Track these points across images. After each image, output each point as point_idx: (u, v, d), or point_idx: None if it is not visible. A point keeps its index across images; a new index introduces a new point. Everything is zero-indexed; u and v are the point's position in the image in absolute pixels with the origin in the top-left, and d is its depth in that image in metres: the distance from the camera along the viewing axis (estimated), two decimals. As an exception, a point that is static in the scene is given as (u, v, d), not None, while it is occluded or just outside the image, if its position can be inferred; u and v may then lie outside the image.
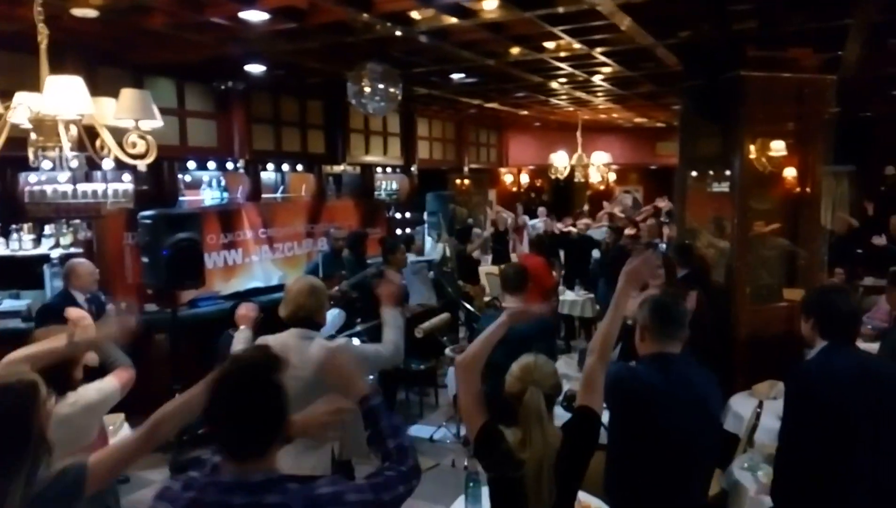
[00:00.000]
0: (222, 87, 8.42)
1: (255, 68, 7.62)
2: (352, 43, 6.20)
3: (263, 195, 9.29)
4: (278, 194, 9.82)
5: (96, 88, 3.62)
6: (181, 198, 8.23)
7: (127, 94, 3.32)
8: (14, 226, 6.67)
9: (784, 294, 5.82)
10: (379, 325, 3.28)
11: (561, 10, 5.35)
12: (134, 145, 3.25)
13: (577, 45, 6.69)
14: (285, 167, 9.79)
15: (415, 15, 5.55)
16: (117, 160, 3.33)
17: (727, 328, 5.54)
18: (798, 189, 6.06)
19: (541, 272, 6.46)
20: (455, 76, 8.53)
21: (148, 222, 5.58)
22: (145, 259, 5.68)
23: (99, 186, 7.07)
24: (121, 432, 3.84)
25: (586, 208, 13.89)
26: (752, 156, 5.86)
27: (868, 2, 5.09)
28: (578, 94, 10.15)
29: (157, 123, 3.39)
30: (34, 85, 3.18)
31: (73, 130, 3.13)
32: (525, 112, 12.72)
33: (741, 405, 4.37)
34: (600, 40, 6.52)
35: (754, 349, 5.46)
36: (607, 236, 9.18)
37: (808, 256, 5.91)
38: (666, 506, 2.55)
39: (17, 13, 4.54)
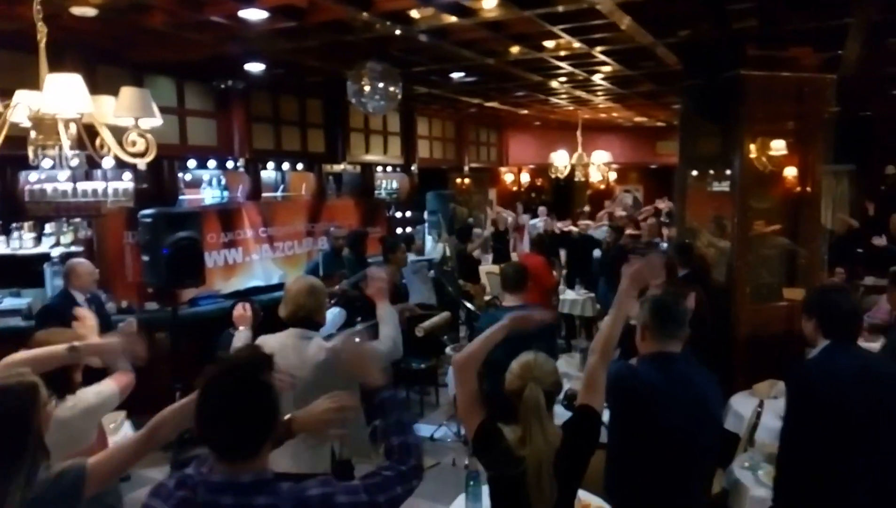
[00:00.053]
0: (222, 85, 8.41)
1: (255, 67, 7.62)
2: (351, 42, 6.20)
3: (263, 194, 9.29)
4: (278, 193, 9.82)
5: (96, 87, 3.62)
6: (181, 197, 8.22)
7: (126, 92, 3.32)
8: (15, 225, 6.68)
9: (784, 294, 5.82)
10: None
11: (560, 8, 5.35)
12: (133, 144, 3.25)
13: (576, 44, 6.68)
14: (285, 166, 9.79)
15: (414, 14, 5.55)
16: (117, 159, 3.33)
17: (727, 328, 5.54)
18: (798, 188, 6.06)
19: (541, 272, 6.47)
20: (455, 75, 8.53)
21: (148, 220, 5.57)
22: (145, 258, 5.67)
23: (99, 185, 7.08)
24: (122, 430, 3.84)
25: (587, 208, 13.89)
26: (753, 155, 5.85)
27: (868, 1, 5.09)
28: (578, 93, 10.14)
29: (157, 121, 3.39)
30: (34, 84, 3.18)
31: (73, 128, 3.12)
32: (525, 111, 12.71)
33: (741, 404, 4.37)
34: (600, 39, 6.52)
35: (754, 348, 5.46)
36: (608, 236, 9.18)
37: (808, 255, 5.91)
38: (666, 505, 2.55)
39: (16, 12, 4.54)
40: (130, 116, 3.26)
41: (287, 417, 2.17)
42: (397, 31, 5.88)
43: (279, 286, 5.96)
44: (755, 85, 5.55)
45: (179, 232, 5.56)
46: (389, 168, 12.14)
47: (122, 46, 6.45)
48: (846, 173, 12.31)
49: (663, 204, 12.38)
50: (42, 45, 3.27)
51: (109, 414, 3.20)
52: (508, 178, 16.84)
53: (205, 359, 1.72)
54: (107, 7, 4.98)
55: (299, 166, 10.06)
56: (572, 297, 8.85)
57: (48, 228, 6.76)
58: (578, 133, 12.35)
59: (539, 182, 17.51)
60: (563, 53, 7.16)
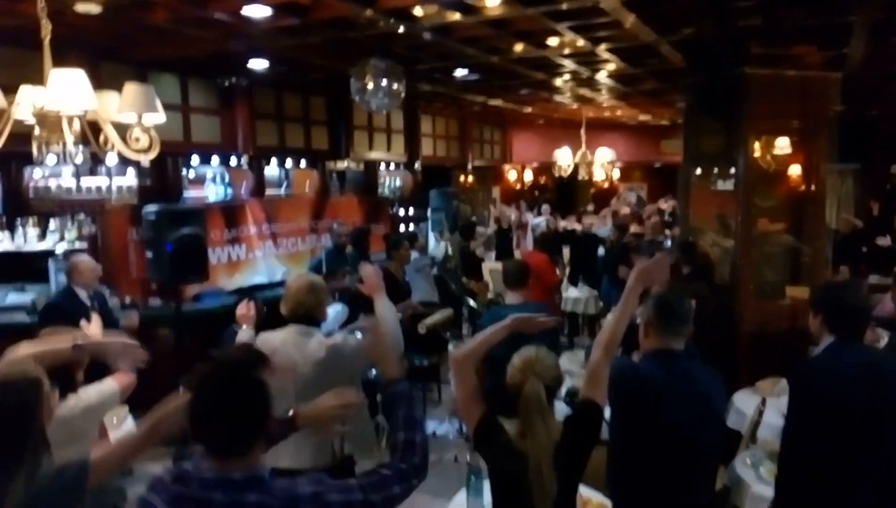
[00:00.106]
0: (226, 83, 8.43)
1: (259, 64, 7.63)
2: (355, 39, 6.19)
3: (267, 191, 9.31)
4: (282, 190, 9.84)
5: (100, 84, 3.61)
6: (185, 193, 8.24)
7: (130, 88, 3.32)
8: (19, 220, 6.70)
9: (787, 292, 5.81)
10: None
11: (564, 6, 5.34)
12: (137, 140, 3.26)
13: (580, 42, 6.67)
14: (289, 163, 9.80)
15: (418, 11, 5.54)
16: (121, 155, 3.34)
17: (731, 325, 5.53)
18: (802, 187, 6.05)
19: (544, 270, 6.46)
20: (458, 73, 8.52)
21: (152, 217, 5.58)
22: (149, 254, 5.68)
23: (103, 182, 7.10)
24: (124, 424, 3.85)
25: (591, 207, 13.88)
26: (757, 154, 5.85)
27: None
28: (582, 91, 10.13)
29: (161, 117, 3.40)
30: (38, 81, 3.18)
31: (77, 124, 3.13)
32: (529, 109, 12.70)
33: (744, 401, 4.37)
34: (604, 37, 6.51)
35: (758, 346, 5.45)
36: (611, 234, 9.18)
37: (812, 254, 5.90)
38: (668, 502, 2.55)
39: (20, 8, 4.55)
40: (134, 112, 3.27)
41: (292, 412, 2.17)
42: (401, 29, 5.87)
43: (282, 283, 5.95)
44: (759, 83, 5.54)
45: (183, 228, 5.57)
46: (393, 165, 12.14)
47: (126, 43, 6.46)
48: (851, 172, 12.27)
49: (665, 204, 12.38)
50: (46, 41, 3.28)
51: (112, 410, 3.21)
52: (512, 176, 16.84)
53: (208, 355, 1.72)
54: (110, 4, 4.99)
55: (303, 163, 10.08)
56: (575, 295, 8.84)
57: (52, 224, 6.78)
58: (582, 131, 12.32)
59: (542, 180, 17.51)
60: (567, 51, 7.15)
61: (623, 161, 14.95)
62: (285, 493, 1.60)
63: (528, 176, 17.28)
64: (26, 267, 6.41)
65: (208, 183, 8.70)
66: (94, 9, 5.00)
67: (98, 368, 2.79)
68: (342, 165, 10.85)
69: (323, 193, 10.10)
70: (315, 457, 2.96)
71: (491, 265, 9.75)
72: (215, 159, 8.53)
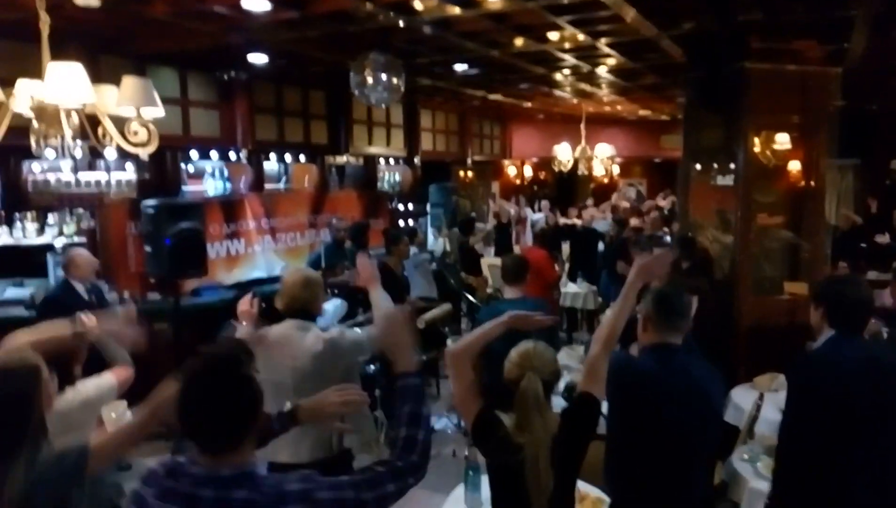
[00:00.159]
0: (225, 76, 8.41)
1: (258, 58, 7.61)
2: (354, 32, 6.18)
3: (266, 185, 9.30)
4: (281, 185, 9.82)
5: (99, 77, 3.61)
6: (184, 188, 8.23)
7: (129, 82, 3.32)
8: (18, 214, 6.69)
9: (785, 288, 5.81)
10: None
11: (565, 0, 5.33)
12: (136, 134, 3.25)
13: (581, 36, 6.66)
14: (288, 158, 9.79)
15: (418, 4, 5.52)
16: (120, 149, 3.33)
17: (729, 321, 5.54)
18: (802, 182, 6.04)
19: (543, 266, 6.46)
20: (458, 67, 8.49)
21: (151, 211, 5.58)
22: (148, 248, 5.68)
23: (102, 176, 7.10)
24: (122, 419, 3.85)
25: (590, 202, 13.86)
26: (757, 149, 5.84)
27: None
28: (582, 85, 10.11)
29: (159, 111, 3.39)
30: (36, 74, 3.17)
31: (75, 118, 3.12)
32: (529, 104, 12.67)
33: (742, 396, 4.38)
34: (604, 31, 6.50)
35: (756, 341, 5.46)
36: (611, 229, 9.18)
37: (811, 249, 5.90)
38: (665, 497, 2.55)
39: (19, 1, 4.53)
40: (132, 106, 3.26)
41: (292, 406, 2.17)
42: (400, 22, 5.86)
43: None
44: (759, 78, 5.53)
45: (182, 223, 5.57)
46: (392, 160, 12.13)
47: (125, 36, 6.43)
48: (851, 168, 12.26)
49: (664, 201, 12.38)
50: (45, 34, 3.26)
51: (111, 404, 3.22)
52: (512, 171, 16.81)
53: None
54: (109, -3, 4.98)
55: (302, 158, 10.06)
56: (574, 290, 8.85)
57: (51, 218, 6.77)
58: (582, 126, 12.31)
59: (542, 175, 17.48)
60: (567, 46, 7.13)
61: (623, 156, 14.93)
62: (274, 490, 1.57)
63: (528, 171, 17.26)
64: (25, 261, 6.41)
65: (207, 177, 8.69)
66: (94, 2, 4.98)
67: (96, 362, 2.80)
68: (341, 159, 10.83)
69: (322, 187, 10.08)
70: (313, 451, 2.96)
71: (490, 261, 9.75)
72: (214, 154, 8.51)
